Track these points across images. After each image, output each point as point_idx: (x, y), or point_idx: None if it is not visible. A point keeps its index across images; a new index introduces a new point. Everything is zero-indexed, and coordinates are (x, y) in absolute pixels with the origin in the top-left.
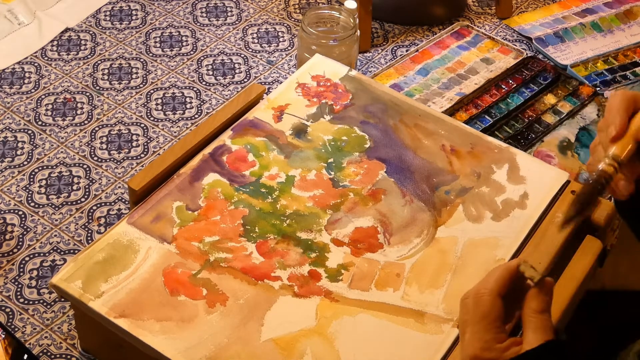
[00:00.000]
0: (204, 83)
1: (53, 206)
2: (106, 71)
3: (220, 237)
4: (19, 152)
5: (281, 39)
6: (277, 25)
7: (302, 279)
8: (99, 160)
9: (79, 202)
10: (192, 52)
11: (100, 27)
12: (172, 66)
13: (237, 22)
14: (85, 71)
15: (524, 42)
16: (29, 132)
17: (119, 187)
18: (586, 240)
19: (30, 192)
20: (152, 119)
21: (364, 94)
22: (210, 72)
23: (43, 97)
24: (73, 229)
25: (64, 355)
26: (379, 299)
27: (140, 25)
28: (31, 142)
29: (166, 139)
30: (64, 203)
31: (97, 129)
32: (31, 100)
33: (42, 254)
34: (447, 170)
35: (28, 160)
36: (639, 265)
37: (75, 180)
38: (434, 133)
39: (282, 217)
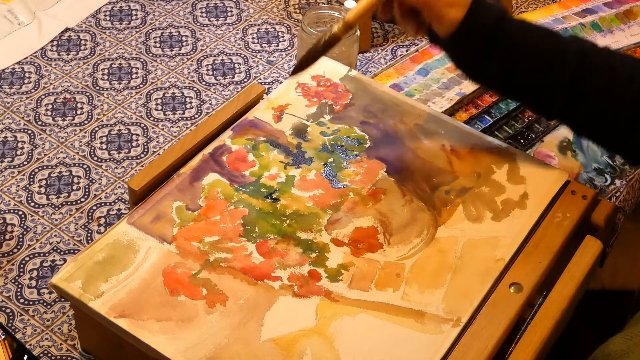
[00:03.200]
0: (204, 83)
1: (53, 206)
2: (106, 71)
3: (220, 237)
4: (19, 152)
5: (281, 39)
6: (277, 25)
7: (302, 279)
8: (99, 160)
9: (78, 202)
10: (192, 52)
11: (100, 27)
12: (172, 66)
13: (237, 22)
14: (85, 71)
15: None
16: (29, 132)
17: (119, 187)
18: (586, 240)
19: (30, 192)
20: (152, 119)
21: (364, 94)
22: (210, 72)
23: (43, 97)
24: (73, 229)
25: (64, 357)
26: (379, 299)
27: (140, 25)
28: (31, 142)
29: (166, 139)
30: (64, 203)
31: (97, 129)
32: (31, 100)
33: (42, 254)
34: (447, 170)
35: (28, 160)
36: (639, 265)
37: (75, 180)
38: (434, 133)
39: (282, 217)
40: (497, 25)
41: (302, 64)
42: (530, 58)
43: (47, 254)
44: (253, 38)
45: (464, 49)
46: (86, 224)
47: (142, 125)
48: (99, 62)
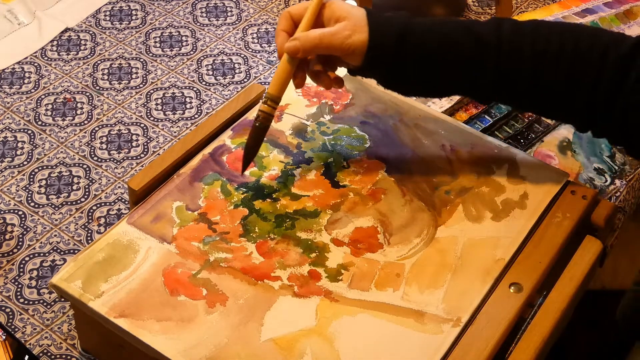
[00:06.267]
0: (204, 83)
1: (53, 206)
2: (106, 71)
3: (220, 237)
4: (18, 152)
5: None
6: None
7: (302, 279)
8: (99, 160)
9: (78, 202)
10: (192, 52)
11: (100, 27)
12: (172, 66)
13: (237, 22)
14: (85, 71)
15: None
16: (29, 132)
17: (119, 187)
18: (586, 240)
19: (30, 192)
20: (152, 119)
21: (364, 94)
22: (210, 72)
23: (43, 97)
24: (73, 229)
25: (64, 356)
26: (379, 299)
27: (140, 25)
28: (31, 142)
29: (166, 139)
30: (64, 203)
31: (97, 129)
32: (31, 100)
33: (42, 254)
34: (447, 170)
35: (28, 160)
36: (638, 265)
37: (75, 180)
38: (434, 133)
39: (282, 217)
40: (400, 42)
41: (246, 159)
42: (437, 67)
43: (47, 254)
44: (253, 38)
45: (380, 70)
46: (86, 224)
47: (142, 125)
48: (98, 62)
